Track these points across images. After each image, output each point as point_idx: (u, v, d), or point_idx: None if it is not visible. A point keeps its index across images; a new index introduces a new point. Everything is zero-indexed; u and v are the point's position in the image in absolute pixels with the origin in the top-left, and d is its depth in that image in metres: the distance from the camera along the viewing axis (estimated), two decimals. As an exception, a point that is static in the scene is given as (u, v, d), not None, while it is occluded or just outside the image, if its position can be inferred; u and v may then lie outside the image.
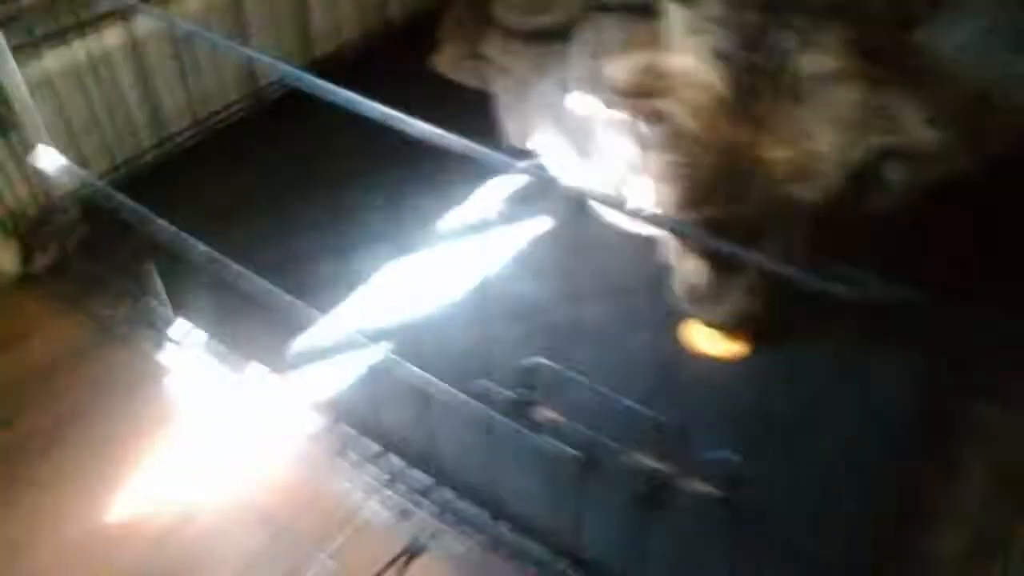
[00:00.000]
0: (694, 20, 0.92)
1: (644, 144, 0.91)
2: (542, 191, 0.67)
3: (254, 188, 1.27)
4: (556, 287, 1.18)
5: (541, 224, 1.27)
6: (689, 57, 0.86)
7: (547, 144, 1.40)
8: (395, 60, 1.60)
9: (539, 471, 0.91)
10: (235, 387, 1.02)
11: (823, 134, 0.81)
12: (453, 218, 1.30)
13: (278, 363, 1.01)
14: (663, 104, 0.83)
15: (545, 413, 0.56)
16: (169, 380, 1.07)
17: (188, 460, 0.99)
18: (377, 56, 1.63)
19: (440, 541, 0.87)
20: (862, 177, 0.83)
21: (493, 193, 1.35)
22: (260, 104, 1.36)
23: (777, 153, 0.78)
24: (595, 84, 1.41)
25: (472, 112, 1.54)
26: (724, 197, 0.83)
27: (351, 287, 1.14)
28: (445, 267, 1.21)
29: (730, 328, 0.81)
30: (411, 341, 1.06)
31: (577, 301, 1.13)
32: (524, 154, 1.42)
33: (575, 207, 1.28)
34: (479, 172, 1.40)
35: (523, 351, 0.57)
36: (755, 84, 0.82)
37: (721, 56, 0.61)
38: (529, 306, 1.14)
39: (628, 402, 0.50)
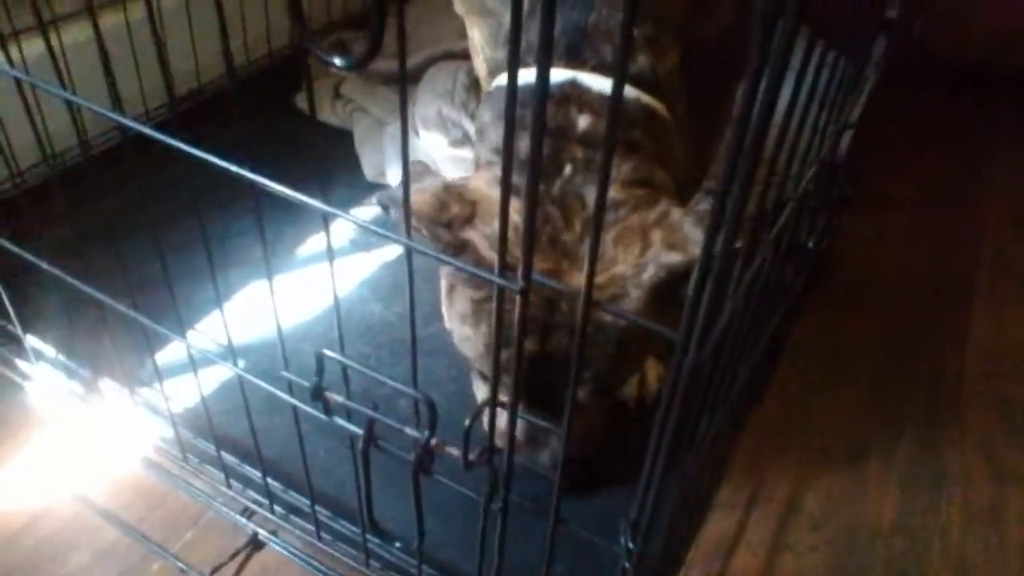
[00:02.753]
0: (483, 152, 0.95)
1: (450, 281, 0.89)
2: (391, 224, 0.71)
3: (124, 214, 1.35)
4: (396, 310, 1.30)
5: (390, 251, 1.40)
6: (482, 183, 0.86)
7: (397, 179, 1.51)
8: (261, 98, 1.70)
9: (337, 451, 1.01)
10: (87, 401, 1.09)
11: (621, 257, 0.82)
12: (312, 244, 1.40)
13: (131, 379, 1.09)
14: (465, 235, 0.82)
15: (333, 398, 0.67)
16: (19, 395, 1.13)
17: (39, 467, 1.05)
18: (244, 94, 1.72)
19: (281, 535, 0.97)
20: (660, 294, 0.82)
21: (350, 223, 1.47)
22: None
23: (582, 279, 0.82)
24: (438, 124, 1.55)
25: (333, 148, 1.66)
26: (538, 329, 0.82)
27: (211, 308, 1.23)
28: (301, 290, 1.32)
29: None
30: (257, 356, 1.17)
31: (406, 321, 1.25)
32: (378, 188, 1.55)
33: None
34: (340, 202, 1.52)
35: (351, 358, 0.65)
36: (550, 215, 0.83)
37: (513, 188, 0.60)
38: (367, 324, 1.26)
39: (393, 383, 0.61)
